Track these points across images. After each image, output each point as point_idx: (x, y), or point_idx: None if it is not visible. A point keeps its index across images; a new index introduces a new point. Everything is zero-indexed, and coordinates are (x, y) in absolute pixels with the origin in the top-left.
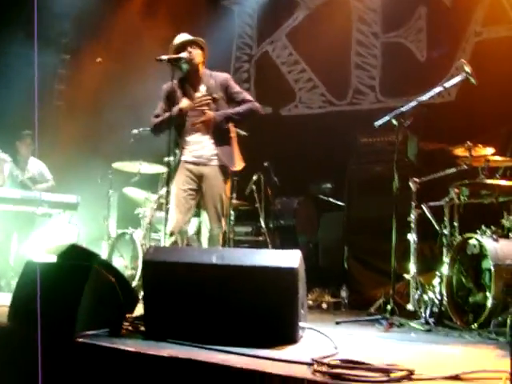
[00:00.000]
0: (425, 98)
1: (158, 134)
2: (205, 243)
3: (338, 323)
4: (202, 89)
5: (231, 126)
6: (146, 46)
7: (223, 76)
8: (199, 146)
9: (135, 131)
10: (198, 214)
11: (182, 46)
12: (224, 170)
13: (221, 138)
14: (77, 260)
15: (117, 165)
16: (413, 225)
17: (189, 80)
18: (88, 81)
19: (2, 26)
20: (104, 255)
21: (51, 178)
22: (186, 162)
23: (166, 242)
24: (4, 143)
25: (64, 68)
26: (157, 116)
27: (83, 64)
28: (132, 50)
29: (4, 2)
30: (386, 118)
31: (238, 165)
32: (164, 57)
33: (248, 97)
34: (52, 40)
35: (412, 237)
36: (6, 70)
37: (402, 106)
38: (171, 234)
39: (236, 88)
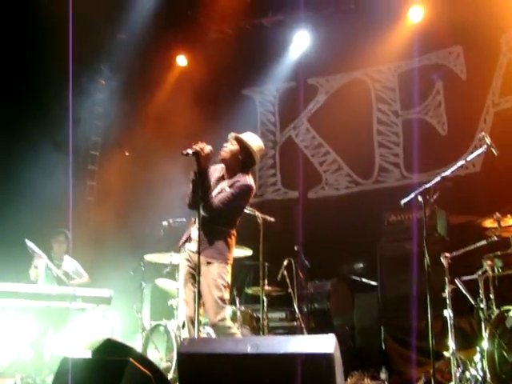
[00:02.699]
0: (448, 172)
1: (191, 205)
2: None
3: None
4: (224, 183)
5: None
6: (171, 139)
7: (241, 181)
8: (196, 233)
9: (165, 223)
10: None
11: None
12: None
13: (207, 228)
14: (112, 355)
15: (148, 257)
16: (448, 300)
17: (225, 169)
18: (117, 175)
19: (34, 126)
20: (139, 348)
21: (86, 276)
22: (187, 249)
23: (182, 334)
24: (39, 241)
25: (94, 164)
26: None
27: (112, 159)
28: (158, 143)
29: (37, 102)
30: (412, 196)
31: (220, 260)
32: (189, 151)
33: (219, 199)
34: (82, 138)
35: (448, 313)
36: (39, 171)
37: (427, 182)
38: (183, 325)
39: (232, 190)
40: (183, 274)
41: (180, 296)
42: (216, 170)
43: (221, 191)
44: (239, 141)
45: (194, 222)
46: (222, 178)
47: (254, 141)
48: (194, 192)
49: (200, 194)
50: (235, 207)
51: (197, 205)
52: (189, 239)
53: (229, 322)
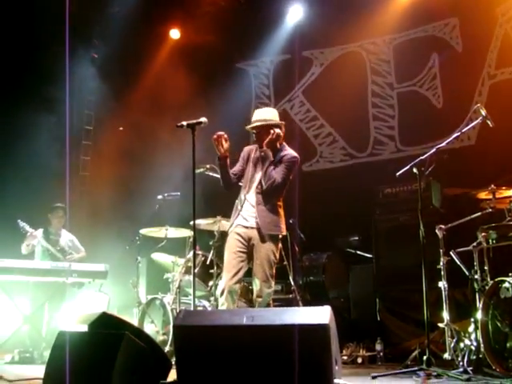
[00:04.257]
0: (443, 144)
1: (227, 189)
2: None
3: (374, 377)
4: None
5: (279, 193)
6: (165, 113)
7: (291, 154)
8: (250, 210)
9: (160, 197)
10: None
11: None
12: (271, 234)
13: (265, 204)
14: (108, 328)
15: (144, 231)
16: (443, 272)
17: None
18: (111, 150)
19: (29, 102)
20: (135, 322)
21: (84, 250)
22: (238, 224)
23: (219, 301)
24: (35, 216)
25: (88, 139)
26: (233, 173)
27: (106, 134)
28: (152, 117)
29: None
30: (407, 168)
31: (280, 232)
32: (184, 123)
33: (280, 176)
34: (76, 112)
35: (443, 284)
36: (33, 144)
37: (422, 154)
38: (221, 294)
39: (285, 164)
40: (231, 246)
41: (225, 266)
42: (252, 151)
43: (274, 168)
44: (264, 127)
45: (246, 201)
46: (263, 157)
47: (270, 114)
48: (222, 175)
49: (262, 176)
50: (288, 179)
51: (231, 185)
52: (239, 215)
53: (271, 301)
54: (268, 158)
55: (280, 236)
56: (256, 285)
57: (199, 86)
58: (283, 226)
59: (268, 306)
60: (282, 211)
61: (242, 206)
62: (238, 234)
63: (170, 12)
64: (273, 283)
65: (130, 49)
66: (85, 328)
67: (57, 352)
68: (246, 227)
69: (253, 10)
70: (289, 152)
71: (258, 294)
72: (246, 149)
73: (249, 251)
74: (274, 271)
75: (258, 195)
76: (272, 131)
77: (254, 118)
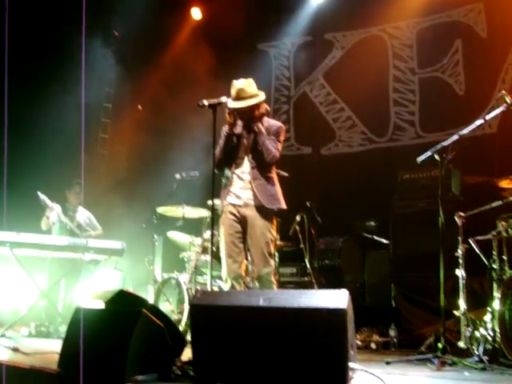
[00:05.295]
0: (466, 131)
1: (220, 167)
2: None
3: (388, 363)
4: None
5: (273, 166)
6: (185, 92)
7: (277, 125)
8: (241, 186)
9: (178, 176)
10: None
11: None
12: (266, 209)
13: (263, 177)
14: (125, 306)
15: (161, 209)
16: (460, 260)
17: (244, 123)
18: (129, 128)
19: (51, 77)
20: (150, 300)
21: (100, 228)
22: (230, 204)
23: (224, 287)
24: (53, 191)
25: (107, 117)
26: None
27: (125, 112)
28: (172, 96)
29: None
30: (428, 154)
31: (281, 205)
32: (205, 102)
33: (275, 148)
34: (95, 89)
35: (460, 272)
36: (53, 121)
37: (443, 141)
38: (226, 280)
39: (278, 136)
40: (227, 227)
41: (222, 251)
42: (226, 130)
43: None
44: (249, 107)
45: (235, 177)
46: (255, 131)
47: (252, 87)
48: (225, 147)
49: (259, 148)
50: (280, 149)
51: (225, 162)
52: (230, 193)
53: (273, 278)
54: (261, 133)
55: (279, 210)
56: (253, 265)
57: (219, 66)
58: (282, 199)
59: (271, 285)
60: (277, 183)
61: (231, 184)
62: (232, 214)
63: None
64: (272, 262)
65: (151, 27)
66: (102, 305)
67: (74, 328)
68: (239, 205)
69: None
70: (274, 123)
71: (256, 275)
72: (225, 127)
73: (244, 229)
74: (273, 249)
75: (253, 170)
76: (260, 107)
77: (237, 94)
